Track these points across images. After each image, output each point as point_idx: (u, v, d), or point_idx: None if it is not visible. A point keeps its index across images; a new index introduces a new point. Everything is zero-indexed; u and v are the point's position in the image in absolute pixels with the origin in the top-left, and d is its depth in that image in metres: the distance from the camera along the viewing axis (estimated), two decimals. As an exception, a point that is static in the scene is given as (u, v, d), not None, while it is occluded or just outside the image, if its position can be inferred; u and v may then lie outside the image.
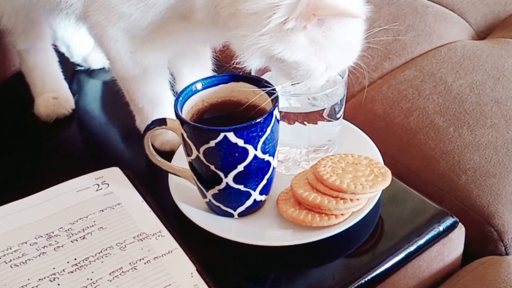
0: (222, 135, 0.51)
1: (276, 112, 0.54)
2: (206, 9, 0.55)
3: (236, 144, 0.52)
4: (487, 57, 0.85)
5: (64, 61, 0.83)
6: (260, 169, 0.55)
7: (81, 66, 0.86)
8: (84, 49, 0.85)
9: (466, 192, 0.68)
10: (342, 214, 0.56)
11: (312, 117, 0.62)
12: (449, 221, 0.60)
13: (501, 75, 0.81)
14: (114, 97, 0.71)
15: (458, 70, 0.83)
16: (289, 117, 0.61)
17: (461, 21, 0.99)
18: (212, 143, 0.52)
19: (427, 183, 0.70)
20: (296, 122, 0.62)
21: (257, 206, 0.58)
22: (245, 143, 0.52)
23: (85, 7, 0.59)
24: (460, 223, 0.61)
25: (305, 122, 0.63)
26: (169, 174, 0.61)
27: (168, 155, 0.65)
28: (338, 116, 0.64)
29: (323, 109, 0.62)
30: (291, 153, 0.65)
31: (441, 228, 0.59)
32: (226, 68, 0.74)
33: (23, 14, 0.69)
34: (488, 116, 0.75)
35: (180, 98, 0.55)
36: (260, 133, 0.53)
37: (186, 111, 0.57)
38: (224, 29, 0.55)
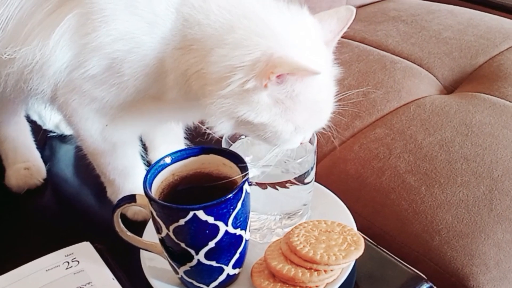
0: (191, 213, 0.51)
1: (246, 186, 0.54)
2: (178, 86, 0.56)
3: (206, 221, 0.51)
4: (455, 112, 0.87)
5: (37, 129, 0.83)
6: (232, 244, 0.55)
7: (54, 133, 0.86)
8: (55, 116, 0.85)
9: (441, 254, 0.68)
10: (316, 286, 0.56)
11: (283, 182, 0.63)
12: (424, 286, 0.60)
13: (469, 131, 0.83)
14: (87, 163, 0.70)
15: (428, 127, 0.84)
16: (261, 183, 0.61)
17: (429, 76, 1.02)
18: (182, 222, 0.51)
19: (402, 244, 0.71)
20: (268, 187, 0.63)
21: (231, 280, 0.58)
22: (215, 220, 0.52)
23: (53, 91, 0.60)
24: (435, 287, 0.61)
25: (277, 187, 0.63)
26: (141, 249, 0.60)
27: (140, 225, 0.64)
28: (309, 180, 0.65)
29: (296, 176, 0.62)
30: (266, 220, 0.65)
31: (417, 293, 0.59)
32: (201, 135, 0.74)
33: None
34: (458, 174, 0.76)
35: (149, 175, 0.55)
36: (230, 209, 0.53)
37: (156, 186, 0.56)
38: (195, 102, 0.56)
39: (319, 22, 0.58)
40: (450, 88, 1.01)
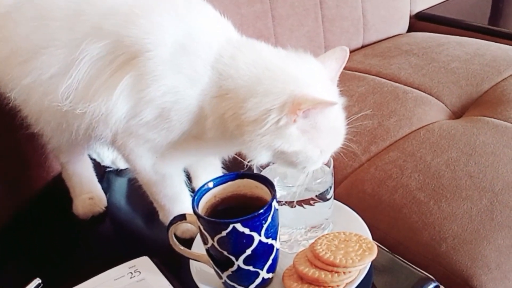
0: (231, 226, 0.62)
1: (274, 203, 0.66)
2: (215, 126, 0.68)
3: (243, 232, 0.63)
4: (460, 135, 0.97)
5: (96, 165, 0.97)
6: (265, 251, 0.66)
7: (110, 168, 1.00)
8: (111, 154, 0.98)
9: (447, 258, 0.77)
10: (337, 286, 0.66)
11: (308, 199, 0.74)
12: (432, 285, 0.69)
13: (473, 151, 0.92)
14: (140, 193, 0.82)
15: (436, 149, 0.94)
16: (291, 202, 0.73)
17: (438, 103, 1.11)
18: (224, 233, 0.63)
19: (414, 252, 0.80)
20: (296, 205, 0.74)
21: (266, 283, 0.69)
22: (250, 231, 0.63)
23: (114, 136, 0.72)
24: (442, 286, 0.70)
25: (303, 205, 0.74)
26: (190, 260, 0.72)
27: (188, 242, 0.76)
28: (329, 197, 0.75)
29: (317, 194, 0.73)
30: (293, 234, 0.76)
31: (425, 291, 0.68)
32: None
33: (68, 142, 0.80)
34: (463, 189, 0.85)
35: (196, 197, 0.67)
36: (262, 222, 0.64)
37: (202, 207, 0.68)
38: (232, 139, 0.68)
39: (322, 63, 0.70)
40: (457, 114, 1.10)
